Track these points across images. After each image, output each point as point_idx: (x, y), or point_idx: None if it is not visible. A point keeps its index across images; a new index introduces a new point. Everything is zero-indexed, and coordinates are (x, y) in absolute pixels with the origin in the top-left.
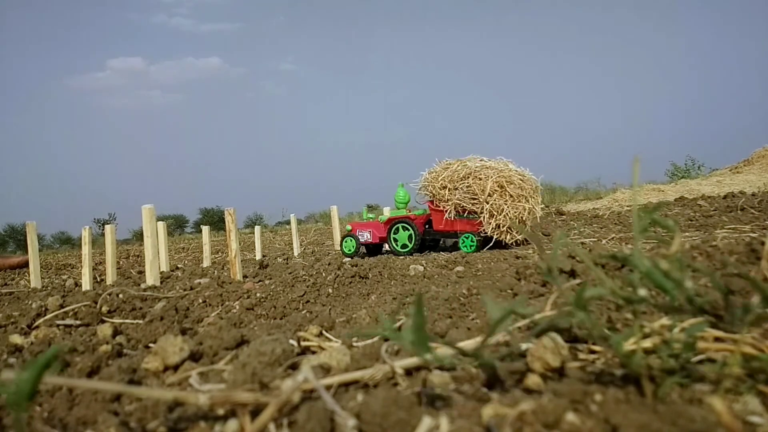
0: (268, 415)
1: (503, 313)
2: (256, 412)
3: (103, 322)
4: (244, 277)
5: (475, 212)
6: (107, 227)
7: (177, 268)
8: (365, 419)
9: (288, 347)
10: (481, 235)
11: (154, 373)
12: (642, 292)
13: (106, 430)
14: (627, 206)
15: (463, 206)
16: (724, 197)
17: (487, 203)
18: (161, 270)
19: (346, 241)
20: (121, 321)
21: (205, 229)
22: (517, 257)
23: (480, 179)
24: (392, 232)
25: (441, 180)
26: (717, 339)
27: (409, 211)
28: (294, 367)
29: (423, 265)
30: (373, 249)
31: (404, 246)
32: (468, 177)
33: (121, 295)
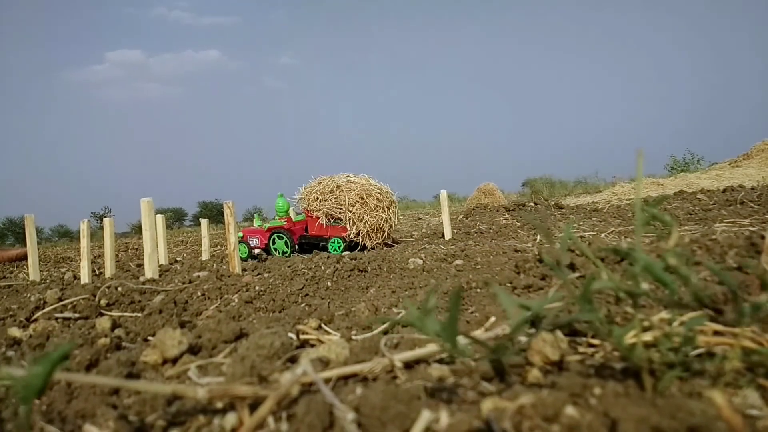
0: (266, 408)
1: (520, 311)
2: (255, 405)
3: (101, 315)
4: (243, 270)
5: (341, 219)
6: (106, 220)
7: (176, 261)
8: (364, 412)
9: (287, 340)
10: (347, 239)
11: (152, 366)
12: (644, 285)
13: (105, 424)
14: (626, 200)
15: (331, 214)
16: (724, 191)
17: (350, 212)
18: (160, 263)
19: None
20: (119, 314)
21: (204, 222)
22: (516, 251)
23: (344, 192)
24: (272, 240)
25: (314, 193)
26: (717, 333)
27: (289, 220)
28: (293, 360)
29: (422, 259)
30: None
31: (283, 252)
32: (336, 189)
33: (119, 288)
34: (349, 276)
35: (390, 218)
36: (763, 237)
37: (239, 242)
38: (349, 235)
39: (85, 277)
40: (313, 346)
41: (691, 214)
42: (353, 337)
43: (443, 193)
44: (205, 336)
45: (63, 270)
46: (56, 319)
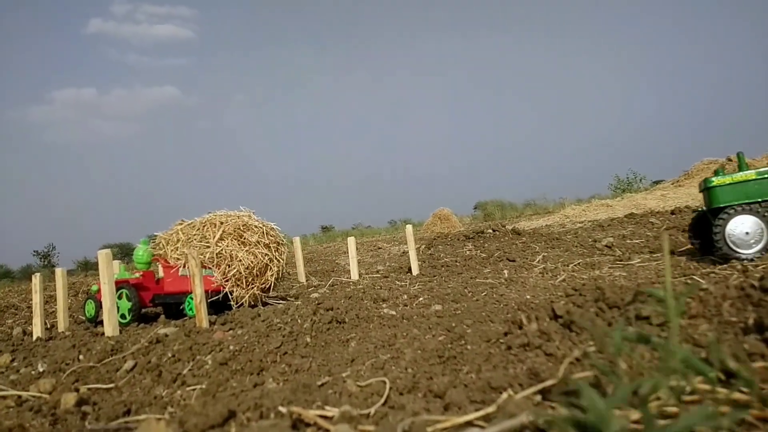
0: None
1: None
2: None
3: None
4: (212, 323)
5: (209, 267)
6: (57, 271)
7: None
8: None
9: None
10: (212, 295)
11: None
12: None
13: None
14: (579, 223)
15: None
16: (672, 212)
17: (218, 247)
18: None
19: (88, 303)
20: (86, 386)
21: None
22: (491, 287)
23: (214, 225)
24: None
25: (176, 233)
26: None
27: (141, 273)
28: None
29: (396, 311)
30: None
31: (123, 316)
32: (204, 226)
33: (82, 357)
34: (328, 329)
35: (276, 260)
36: (753, 286)
37: (89, 299)
38: (216, 282)
39: (37, 332)
40: (319, 428)
41: (647, 241)
42: (359, 427)
43: (409, 228)
44: (190, 421)
45: (9, 321)
46: (3, 397)
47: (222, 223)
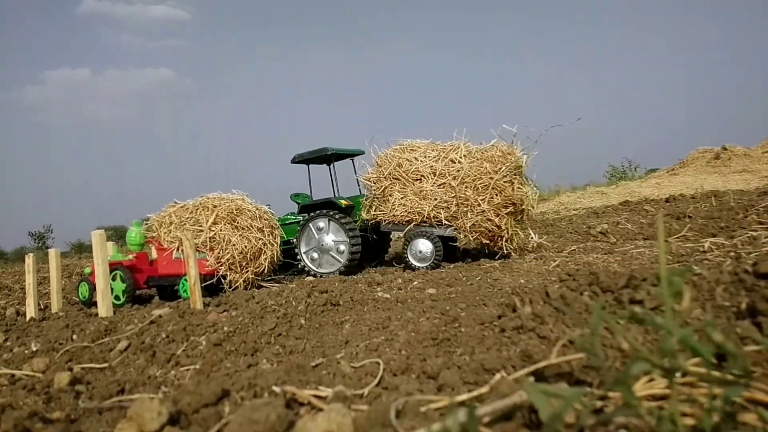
0: None
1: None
2: None
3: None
4: (206, 305)
5: (203, 251)
6: (51, 252)
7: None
8: None
9: (283, 412)
10: (205, 278)
11: None
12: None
13: None
14: (573, 210)
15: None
16: (667, 200)
17: (211, 231)
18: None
19: (81, 285)
20: (80, 366)
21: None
22: (486, 272)
23: (207, 208)
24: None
25: (169, 216)
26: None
27: (134, 255)
28: None
29: (390, 294)
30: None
31: (117, 298)
32: (197, 209)
33: (75, 337)
34: (322, 312)
35: (270, 244)
36: (747, 271)
37: (83, 281)
38: (209, 265)
39: (30, 312)
40: (309, 404)
41: (641, 227)
42: (353, 407)
43: None
44: (184, 400)
45: (2, 303)
46: None
47: (215, 206)
